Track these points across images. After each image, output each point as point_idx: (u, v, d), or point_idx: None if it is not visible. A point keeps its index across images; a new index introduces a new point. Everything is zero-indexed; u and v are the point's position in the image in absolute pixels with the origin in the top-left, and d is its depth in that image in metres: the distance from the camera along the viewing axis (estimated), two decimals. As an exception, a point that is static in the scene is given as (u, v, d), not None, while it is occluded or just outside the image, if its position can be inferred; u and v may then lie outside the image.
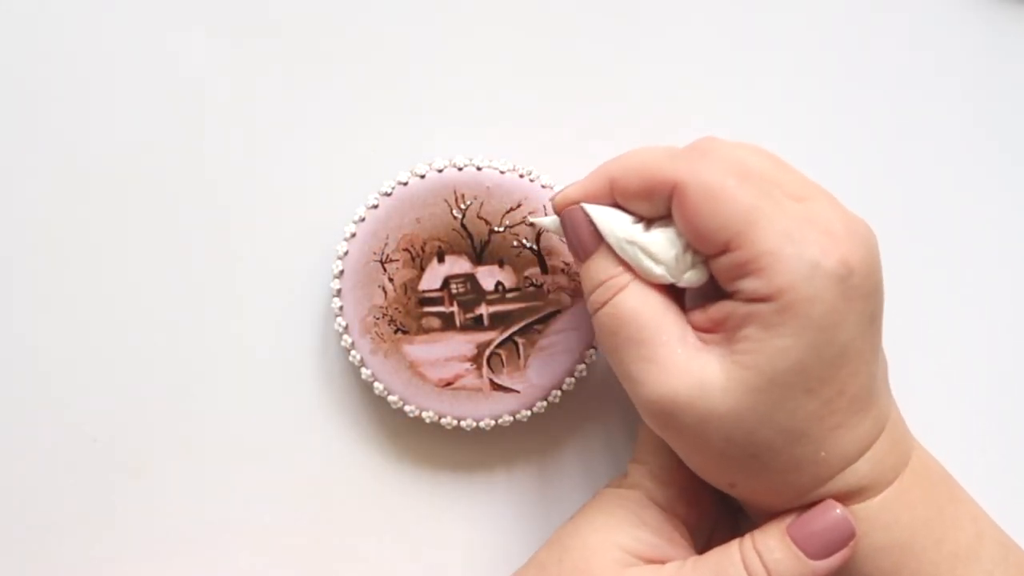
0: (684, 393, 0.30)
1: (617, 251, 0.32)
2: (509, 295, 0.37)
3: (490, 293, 0.37)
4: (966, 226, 0.41)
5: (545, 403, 0.37)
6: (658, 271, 0.31)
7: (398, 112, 0.39)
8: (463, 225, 0.37)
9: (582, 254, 0.33)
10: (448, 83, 0.39)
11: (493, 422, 0.37)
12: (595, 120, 0.39)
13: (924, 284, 0.40)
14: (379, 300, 0.37)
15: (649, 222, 0.32)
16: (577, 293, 0.37)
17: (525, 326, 0.37)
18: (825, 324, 0.29)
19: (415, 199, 0.37)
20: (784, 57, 0.40)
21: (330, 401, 0.39)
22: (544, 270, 0.37)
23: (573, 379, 0.37)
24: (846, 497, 0.31)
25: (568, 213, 0.33)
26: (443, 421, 0.37)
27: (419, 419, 0.37)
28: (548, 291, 0.37)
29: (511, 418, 0.37)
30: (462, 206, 0.37)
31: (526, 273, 0.37)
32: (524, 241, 0.37)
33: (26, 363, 0.38)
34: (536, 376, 0.37)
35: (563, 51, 0.39)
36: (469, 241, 0.37)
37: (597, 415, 0.39)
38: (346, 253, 0.37)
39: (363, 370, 0.37)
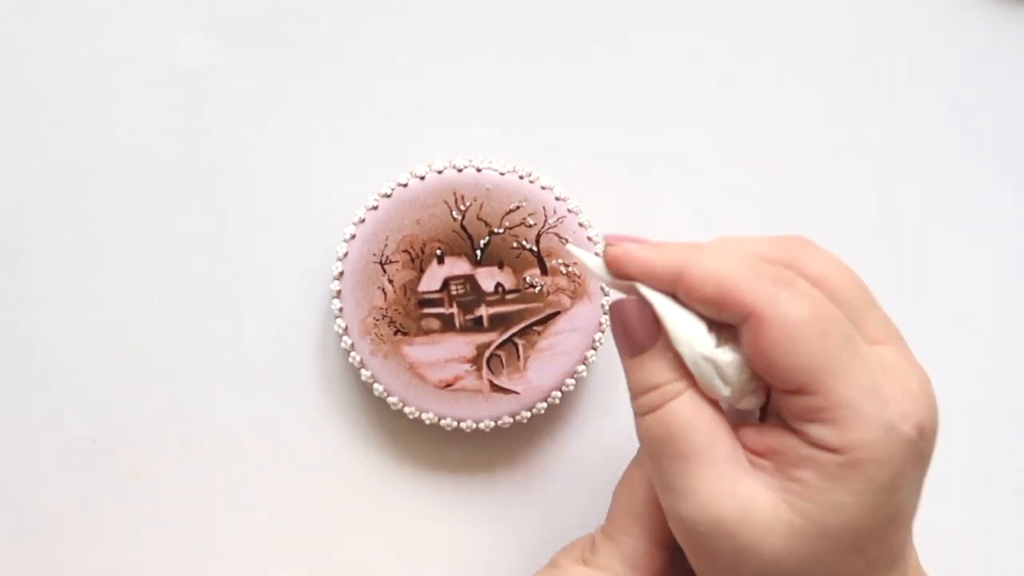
0: (730, 519, 0.28)
1: (689, 364, 0.29)
2: (509, 296, 0.37)
3: (490, 294, 0.37)
4: (966, 227, 0.41)
5: (545, 404, 0.37)
6: (725, 393, 0.29)
7: (398, 113, 0.39)
8: (463, 226, 0.37)
9: (633, 349, 0.30)
10: (448, 84, 0.39)
11: (493, 423, 0.37)
12: (595, 121, 0.39)
13: (923, 284, 0.40)
14: (379, 301, 0.37)
15: (717, 331, 0.29)
16: (576, 295, 0.37)
17: (525, 327, 0.37)
18: (889, 487, 0.27)
19: (415, 200, 0.37)
20: (782, 57, 0.40)
21: (330, 402, 0.39)
22: (544, 271, 0.37)
23: (573, 380, 0.37)
24: None
25: (627, 305, 0.30)
26: (443, 422, 0.37)
27: (419, 420, 0.37)
28: (548, 292, 0.37)
29: (511, 419, 0.37)
30: (462, 207, 0.37)
31: (526, 274, 0.37)
32: (524, 242, 0.37)
33: (26, 363, 0.38)
34: (536, 377, 0.37)
35: (563, 52, 0.39)
36: (469, 242, 0.37)
37: (597, 416, 0.39)
38: (346, 254, 0.37)
39: (363, 371, 0.37)
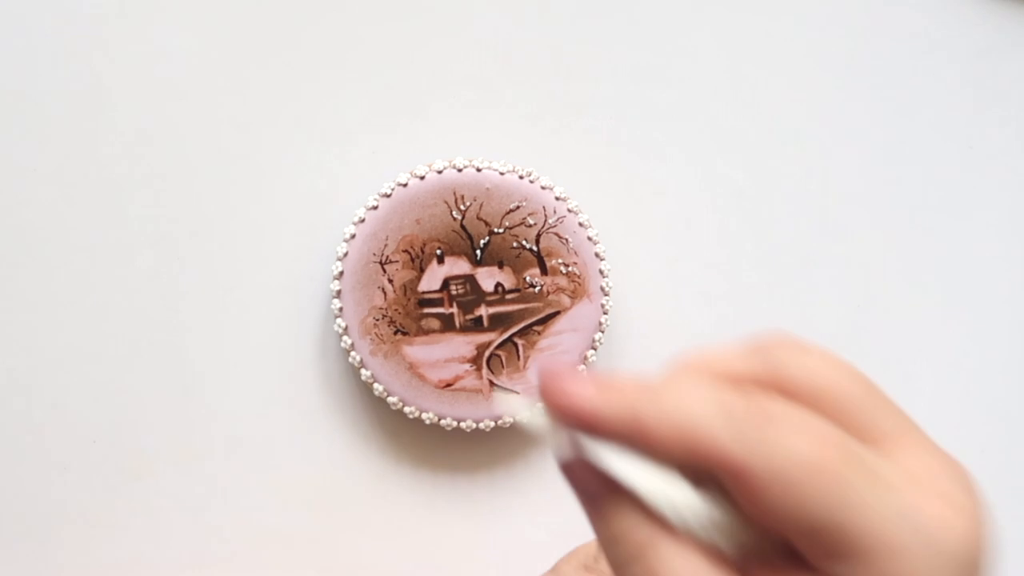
0: None
1: (673, 521, 0.23)
2: (508, 296, 0.37)
3: (489, 294, 0.37)
4: (967, 226, 0.41)
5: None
6: (722, 544, 0.24)
7: (398, 113, 0.39)
8: (463, 226, 0.37)
9: (595, 512, 0.24)
10: (448, 84, 0.39)
11: (493, 423, 0.37)
12: (595, 122, 0.39)
13: (923, 283, 0.40)
14: (379, 301, 0.37)
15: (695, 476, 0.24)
16: (576, 295, 0.37)
17: (524, 327, 0.37)
18: None
19: (415, 200, 0.37)
20: (782, 57, 0.40)
21: (330, 402, 0.39)
22: (544, 271, 0.37)
23: (573, 380, 0.37)
24: None
25: (578, 469, 0.24)
26: (443, 422, 0.37)
27: (419, 420, 0.37)
28: (547, 292, 0.37)
29: (511, 419, 0.37)
30: (462, 207, 0.37)
31: (525, 274, 0.37)
32: (523, 242, 0.37)
33: (26, 364, 0.38)
34: (536, 377, 0.37)
35: (563, 53, 0.39)
36: (469, 242, 0.37)
37: (597, 416, 0.39)
38: (346, 254, 0.37)
39: (363, 371, 0.37)
